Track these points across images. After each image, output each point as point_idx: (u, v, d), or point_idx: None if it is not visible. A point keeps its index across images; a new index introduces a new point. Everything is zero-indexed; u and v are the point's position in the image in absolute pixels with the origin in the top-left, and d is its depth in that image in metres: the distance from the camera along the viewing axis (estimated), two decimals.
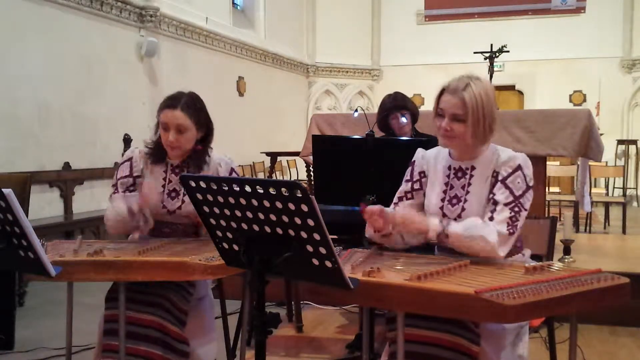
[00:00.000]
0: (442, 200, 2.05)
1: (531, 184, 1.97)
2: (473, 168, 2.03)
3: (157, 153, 2.46)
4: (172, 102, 2.36)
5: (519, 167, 1.95)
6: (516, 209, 1.91)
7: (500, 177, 1.96)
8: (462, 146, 2.00)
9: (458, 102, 1.92)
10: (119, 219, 2.35)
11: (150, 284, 2.19)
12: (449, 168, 2.07)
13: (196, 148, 2.43)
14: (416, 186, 2.14)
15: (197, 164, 2.44)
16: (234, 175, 2.47)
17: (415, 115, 3.39)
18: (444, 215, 2.03)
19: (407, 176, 2.18)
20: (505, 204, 1.91)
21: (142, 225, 2.37)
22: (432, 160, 2.14)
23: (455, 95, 1.93)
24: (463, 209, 2.00)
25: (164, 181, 2.45)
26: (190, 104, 2.37)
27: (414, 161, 2.18)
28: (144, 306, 2.20)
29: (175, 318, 2.24)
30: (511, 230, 1.89)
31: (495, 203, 1.93)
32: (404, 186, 2.17)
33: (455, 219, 1.99)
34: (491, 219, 1.91)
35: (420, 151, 2.20)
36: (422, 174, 2.14)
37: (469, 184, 2.02)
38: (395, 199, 2.17)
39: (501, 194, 1.93)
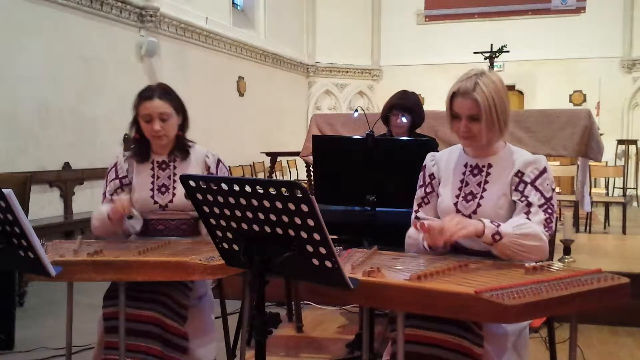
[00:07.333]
0: (457, 196, 2.05)
1: (554, 187, 2.00)
2: (490, 165, 2.04)
3: (141, 152, 2.49)
4: (147, 93, 2.41)
5: (545, 170, 1.98)
6: (549, 210, 1.94)
7: (528, 179, 1.97)
8: (482, 144, 2.01)
9: (471, 103, 1.93)
10: (99, 223, 2.39)
11: (149, 281, 2.20)
12: (465, 165, 2.08)
13: (177, 134, 2.47)
14: (428, 189, 2.15)
15: (182, 154, 2.48)
16: (221, 165, 2.51)
17: (416, 121, 3.38)
18: (458, 211, 2.03)
19: (419, 182, 2.18)
20: (539, 206, 1.93)
21: (126, 230, 2.43)
22: (444, 160, 2.14)
23: (467, 97, 1.94)
24: (479, 205, 2.00)
25: (152, 178, 2.48)
26: (165, 92, 2.43)
27: (425, 165, 2.19)
28: (142, 302, 2.21)
29: (175, 313, 2.24)
30: (548, 232, 1.91)
31: (529, 205, 1.93)
32: (419, 192, 2.17)
33: (469, 216, 2.00)
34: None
35: (430, 155, 2.21)
36: (432, 176, 2.15)
37: (486, 182, 2.03)
38: (415, 206, 2.18)
39: (533, 196, 1.94)
